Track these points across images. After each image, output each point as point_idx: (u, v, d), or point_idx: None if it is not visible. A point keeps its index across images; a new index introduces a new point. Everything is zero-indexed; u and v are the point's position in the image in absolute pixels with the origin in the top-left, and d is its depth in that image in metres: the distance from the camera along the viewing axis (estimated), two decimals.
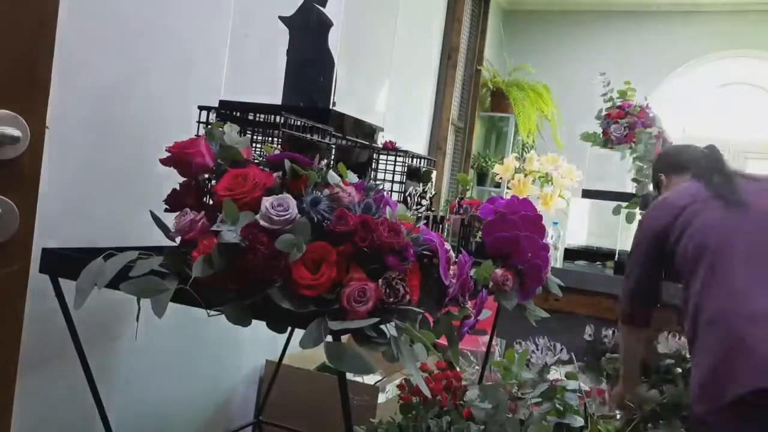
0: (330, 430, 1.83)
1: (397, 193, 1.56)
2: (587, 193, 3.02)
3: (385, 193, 1.13)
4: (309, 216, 0.99)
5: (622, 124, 2.85)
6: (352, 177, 1.14)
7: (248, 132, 1.34)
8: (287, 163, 1.05)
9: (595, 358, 2.36)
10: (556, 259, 2.85)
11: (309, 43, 1.46)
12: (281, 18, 1.47)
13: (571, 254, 3.10)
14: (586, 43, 4.88)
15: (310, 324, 0.93)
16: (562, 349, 2.14)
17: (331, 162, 1.32)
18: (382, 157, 1.58)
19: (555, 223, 2.81)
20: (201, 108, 1.31)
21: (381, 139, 1.62)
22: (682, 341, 2.19)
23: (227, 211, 0.98)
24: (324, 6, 1.46)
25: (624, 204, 2.80)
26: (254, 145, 1.32)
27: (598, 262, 3.10)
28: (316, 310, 0.94)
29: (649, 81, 4.39)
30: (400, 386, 1.77)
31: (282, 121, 1.21)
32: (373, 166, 1.57)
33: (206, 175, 1.12)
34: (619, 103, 2.94)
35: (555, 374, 1.94)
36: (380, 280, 0.96)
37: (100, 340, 1.56)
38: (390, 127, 1.80)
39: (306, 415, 2.01)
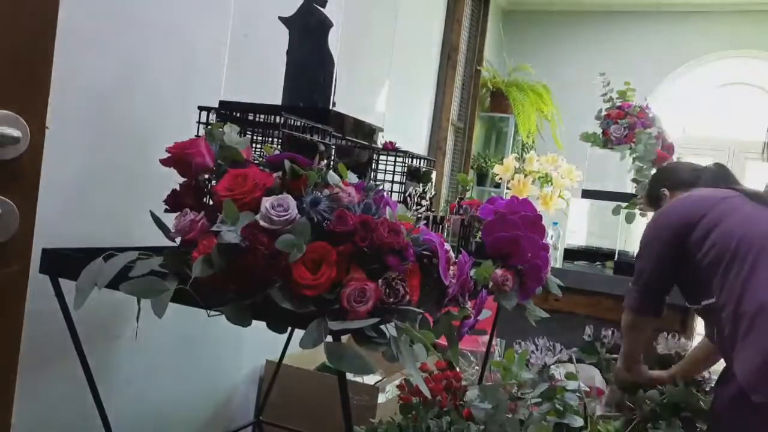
0: (330, 430, 1.83)
1: (397, 194, 1.56)
2: (587, 194, 3.02)
3: (385, 193, 1.13)
4: (309, 216, 0.99)
5: (622, 125, 2.85)
6: (352, 177, 1.14)
7: (248, 132, 1.34)
8: (287, 164, 1.05)
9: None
10: (556, 259, 2.85)
11: (309, 43, 1.46)
12: (281, 18, 1.47)
13: (570, 254, 3.10)
14: (586, 43, 4.88)
15: (310, 324, 0.93)
16: (561, 350, 2.14)
17: (331, 162, 1.32)
18: (382, 157, 1.58)
19: (555, 224, 2.81)
20: (201, 108, 1.31)
21: (381, 140, 1.62)
22: (682, 342, 2.19)
23: (227, 212, 0.98)
24: (324, 6, 1.46)
25: (624, 204, 2.80)
26: (254, 145, 1.32)
27: (597, 263, 3.10)
28: (316, 310, 0.94)
29: (649, 81, 4.39)
30: (400, 386, 1.77)
31: (282, 121, 1.21)
32: (373, 167, 1.57)
33: (206, 176, 1.12)
34: (618, 104, 2.94)
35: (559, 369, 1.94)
36: (380, 280, 0.96)
37: (100, 340, 1.56)
38: (390, 128, 1.80)
39: (306, 415, 2.02)
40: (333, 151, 1.34)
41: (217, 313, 0.97)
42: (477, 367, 2.16)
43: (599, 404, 1.99)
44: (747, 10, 4.52)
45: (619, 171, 2.92)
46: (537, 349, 2.14)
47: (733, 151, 4.93)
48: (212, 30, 1.74)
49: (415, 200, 1.58)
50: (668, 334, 2.23)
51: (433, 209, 1.66)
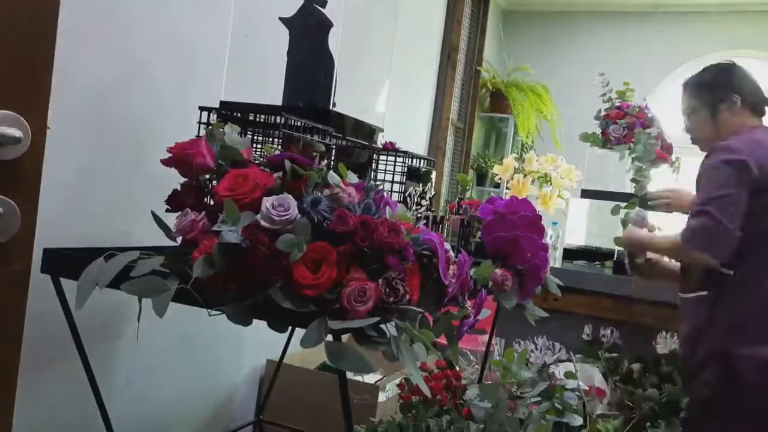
0: (330, 429, 1.83)
1: (397, 194, 1.56)
2: (586, 194, 3.02)
3: (385, 193, 1.13)
4: (309, 216, 0.99)
5: (621, 125, 2.85)
6: (352, 177, 1.14)
7: (249, 132, 1.34)
8: (288, 164, 1.05)
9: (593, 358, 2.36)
10: (555, 259, 2.85)
11: (309, 43, 1.46)
12: (281, 19, 1.47)
13: (570, 254, 3.10)
14: (586, 43, 4.88)
15: (310, 324, 0.93)
16: (561, 349, 2.14)
17: (332, 162, 1.33)
18: (381, 157, 1.59)
19: (554, 223, 2.81)
20: (202, 108, 1.31)
21: (381, 140, 1.62)
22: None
23: (228, 212, 0.98)
24: (324, 6, 1.47)
25: (623, 204, 2.80)
26: (255, 145, 1.32)
27: (597, 262, 3.10)
28: (316, 310, 0.94)
29: (649, 81, 4.39)
30: (400, 385, 1.77)
31: (282, 121, 1.21)
32: (373, 167, 1.58)
33: (207, 176, 1.13)
34: (618, 104, 2.94)
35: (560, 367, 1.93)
36: (380, 280, 0.97)
37: (101, 339, 1.57)
38: (390, 128, 1.80)
39: (306, 415, 2.02)
40: (333, 151, 1.35)
41: (218, 312, 0.97)
42: (477, 367, 2.17)
43: (600, 403, 1.99)
44: (746, 11, 4.52)
45: (619, 171, 2.92)
46: (536, 349, 2.14)
47: None
48: (212, 30, 1.74)
49: (415, 200, 1.58)
50: (667, 333, 2.23)
51: (432, 209, 1.66)
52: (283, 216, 0.96)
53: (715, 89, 1.82)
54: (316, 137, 1.27)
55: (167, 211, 1.13)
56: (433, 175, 1.68)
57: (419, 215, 1.56)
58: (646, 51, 4.65)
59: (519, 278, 1.55)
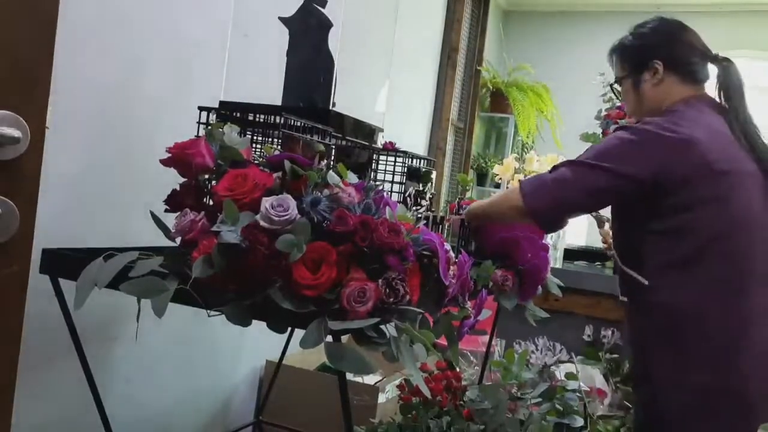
0: (330, 430, 1.83)
1: (396, 194, 1.56)
2: None
3: (384, 193, 1.13)
4: (309, 216, 0.99)
5: (622, 125, 2.85)
6: (352, 177, 1.14)
7: (248, 132, 1.34)
8: (287, 164, 1.05)
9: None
10: (556, 260, 2.85)
11: (309, 43, 1.46)
12: (281, 19, 1.47)
13: (570, 254, 3.10)
14: (586, 43, 4.87)
15: (310, 324, 0.93)
16: (561, 350, 2.14)
17: (331, 162, 1.32)
18: (381, 157, 1.59)
19: None
20: (201, 108, 1.31)
21: (381, 140, 1.62)
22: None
23: (227, 212, 0.98)
24: (324, 6, 1.46)
25: None
26: (254, 145, 1.32)
27: (597, 263, 3.11)
28: (316, 310, 0.94)
29: None
30: (400, 386, 1.77)
31: (282, 121, 1.21)
32: (372, 167, 1.57)
33: (206, 176, 1.13)
34: (618, 104, 2.94)
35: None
36: (380, 280, 0.96)
37: (100, 340, 1.56)
38: (390, 128, 1.80)
39: (306, 415, 2.02)
40: (333, 151, 1.34)
41: (218, 313, 0.97)
42: (477, 367, 2.16)
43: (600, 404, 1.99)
44: (747, 11, 4.52)
45: None
46: (537, 349, 2.14)
47: None
48: (212, 30, 1.74)
49: (413, 200, 1.58)
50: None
51: (432, 209, 1.66)
52: (283, 216, 0.96)
53: (636, 55, 1.52)
54: (315, 137, 1.27)
55: (166, 211, 1.12)
56: (433, 175, 1.68)
57: (419, 215, 1.55)
58: None
59: (519, 279, 1.55)
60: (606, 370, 2.26)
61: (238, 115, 1.33)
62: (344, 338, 0.96)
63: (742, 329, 1.33)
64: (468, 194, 2.63)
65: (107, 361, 1.60)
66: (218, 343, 1.99)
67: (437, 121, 3.83)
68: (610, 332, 2.38)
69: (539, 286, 1.61)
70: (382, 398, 1.99)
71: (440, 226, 1.62)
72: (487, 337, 2.10)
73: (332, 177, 1.06)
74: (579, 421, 1.65)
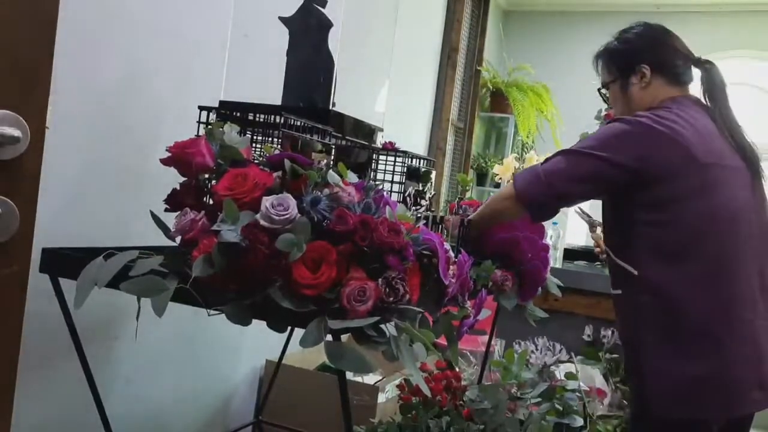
0: (330, 430, 1.83)
1: (396, 194, 1.56)
2: None
3: (384, 193, 1.13)
4: (309, 215, 0.99)
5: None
6: (352, 177, 1.14)
7: (248, 132, 1.34)
8: (287, 163, 1.05)
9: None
10: (556, 260, 2.85)
11: (309, 43, 1.46)
12: (281, 18, 1.47)
13: (570, 255, 3.10)
14: (586, 43, 4.85)
15: (310, 323, 0.93)
16: (561, 349, 2.14)
17: (331, 162, 1.32)
18: (381, 157, 1.59)
19: (554, 224, 2.80)
20: (201, 108, 1.31)
21: (381, 140, 1.62)
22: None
23: (227, 211, 0.98)
24: (324, 6, 1.46)
25: None
26: (254, 145, 1.32)
27: (597, 263, 3.10)
28: (316, 310, 0.94)
29: None
30: (399, 386, 1.77)
31: (282, 121, 1.21)
32: (372, 167, 1.57)
33: (206, 175, 1.13)
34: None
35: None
36: (380, 280, 0.96)
37: (100, 339, 1.56)
38: (390, 128, 1.80)
39: (306, 415, 2.02)
40: (333, 150, 1.34)
41: (217, 312, 0.97)
42: (477, 367, 2.16)
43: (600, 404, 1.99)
44: (747, 11, 4.52)
45: None
46: (537, 349, 2.14)
47: None
48: (212, 30, 1.74)
49: (413, 200, 1.58)
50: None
51: (432, 209, 1.66)
52: (283, 215, 0.96)
53: (623, 59, 1.56)
54: (315, 137, 1.27)
55: (166, 210, 1.12)
56: (433, 175, 1.68)
57: (419, 215, 1.55)
58: None
59: (519, 279, 1.55)
60: (606, 370, 2.26)
61: (238, 114, 1.33)
62: (344, 337, 0.96)
63: (727, 318, 1.36)
64: (468, 194, 2.63)
65: (107, 360, 1.60)
66: (218, 343, 1.99)
67: (437, 121, 3.83)
68: (610, 332, 2.38)
69: (539, 287, 1.61)
70: (382, 398, 1.99)
71: (440, 226, 1.62)
72: (486, 337, 2.10)
73: (332, 176, 1.07)
74: (579, 421, 1.65)
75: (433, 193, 1.68)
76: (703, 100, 1.52)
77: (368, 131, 1.54)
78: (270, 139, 1.32)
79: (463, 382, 1.79)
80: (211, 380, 2.01)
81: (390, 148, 1.59)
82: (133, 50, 1.56)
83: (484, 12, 4.47)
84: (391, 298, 0.96)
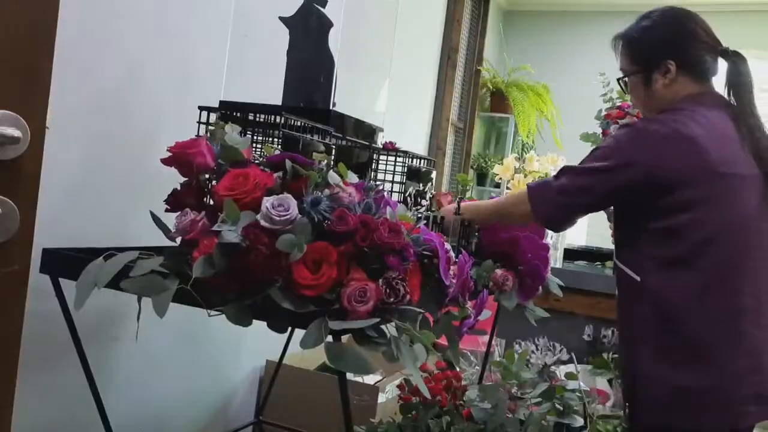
0: (330, 430, 1.83)
1: (397, 194, 1.56)
2: None
3: (385, 193, 1.13)
4: (309, 216, 0.99)
5: (622, 125, 2.85)
6: (353, 177, 1.14)
7: (249, 132, 1.34)
8: (288, 164, 1.05)
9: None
10: (556, 260, 2.85)
11: (309, 43, 1.46)
12: (281, 18, 1.47)
13: (570, 254, 3.10)
14: (586, 43, 4.87)
15: (310, 324, 0.93)
16: (561, 349, 2.14)
17: (332, 162, 1.32)
18: (382, 157, 1.59)
19: None
20: (201, 108, 1.31)
21: (381, 140, 1.62)
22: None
23: (228, 211, 0.98)
24: (324, 6, 1.46)
25: None
26: (255, 145, 1.32)
27: (597, 263, 3.11)
28: (316, 310, 0.94)
29: None
30: (400, 386, 1.77)
31: (282, 121, 1.21)
32: (373, 167, 1.57)
33: (207, 175, 1.13)
34: (618, 104, 2.94)
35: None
36: (380, 280, 0.96)
37: (101, 339, 1.56)
38: (390, 128, 1.80)
39: (306, 415, 2.02)
40: (333, 150, 1.34)
41: (218, 312, 0.97)
42: (477, 367, 2.16)
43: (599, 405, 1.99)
44: (747, 11, 4.52)
45: None
46: (537, 349, 2.14)
47: None
48: (212, 30, 1.74)
49: (413, 200, 1.58)
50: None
51: (433, 209, 1.66)
52: (283, 216, 0.96)
53: (646, 52, 1.47)
54: (316, 137, 1.27)
55: (167, 211, 1.12)
56: (433, 175, 1.68)
57: (419, 215, 1.55)
58: None
59: (519, 279, 1.55)
60: (613, 376, 2.25)
61: (238, 114, 1.33)
62: (344, 338, 0.96)
63: (725, 330, 1.33)
64: (468, 194, 2.63)
65: (108, 361, 1.60)
66: (218, 343, 1.99)
67: (437, 121, 3.83)
68: (610, 332, 2.38)
69: (540, 286, 1.61)
70: (382, 398, 1.99)
71: (440, 226, 1.62)
72: (487, 337, 2.10)
73: (333, 177, 1.06)
74: (579, 421, 1.65)
75: (433, 193, 1.68)
76: (725, 96, 1.45)
77: (369, 131, 1.54)
78: (270, 139, 1.32)
79: (464, 382, 1.79)
80: (211, 380, 2.01)
81: (390, 148, 1.59)
82: (133, 50, 1.56)
83: (484, 12, 4.47)
84: (392, 299, 0.96)
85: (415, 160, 1.62)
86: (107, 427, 1.35)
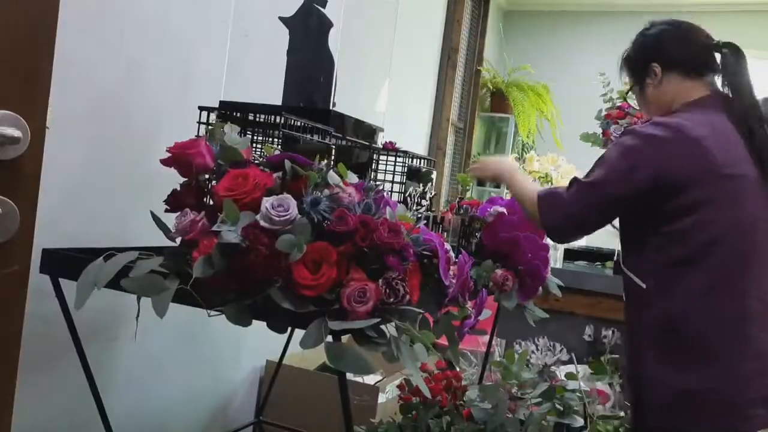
0: (330, 430, 1.83)
1: (397, 194, 1.56)
2: None
3: (385, 193, 1.13)
4: (309, 216, 0.99)
5: (622, 125, 2.85)
6: (352, 177, 1.14)
7: (248, 132, 1.34)
8: (288, 164, 1.05)
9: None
10: (556, 260, 2.85)
11: (309, 43, 1.46)
12: (281, 18, 1.47)
13: (570, 255, 3.10)
14: (586, 43, 4.87)
15: (310, 324, 0.93)
16: (561, 350, 2.14)
17: (332, 162, 1.32)
18: (382, 157, 1.59)
19: None
20: (201, 108, 1.31)
21: (381, 140, 1.62)
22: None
23: (228, 212, 0.98)
24: (324, 6, 1.47)
25: None
26: (254, 145, 1.32)
27: (597, 263, 3.11)
28: (316, 311, 0.94)
29: None
30: (400, 386, 1.77)
31: (282, 121, 1.21)
32: (373, 167, 1.57)
33: (206, 176, 1.13)
34: (618, 104, 2.94)
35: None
36: (380, 280, 0.96)
37: (101, 340, 1.56)
38: (390, 128, 1.80)
39: (306, 415, 2.02)
40: (333, 151, 1.34)
41: (218, 313, 0.97)
42: (477, 367, 2.16)
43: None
44: (747, 11, 4.52)
45: None
46: (537, 349, 2.14)
47: None
48: (212, 30, 1.74)
49: (415, 200, 1.58)
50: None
51: (433, 209, 1.66)
52: (283, 216, 0.96)
53: (635, 62, 1.52)
54: (316, 137, 1.27)
55: (166, 211, 1.12)
56: (433, 175, 1.68)
57: (419, 215, 1.55)
58: None
59: (520, 279, 1.55)
60: (613, 379, 2.25)
61: (238, 115, 1.33)
62: (344, 338, 0.96)
63: (730, 333, 1.33)
64: (468, 194, 2.64)
65: (108, 361, 1.60)
66: (218, 343, 1.99)
67: (437, 121, 3.83)
68: (610, 332, 2.38)
69: (540, 286, 1.61)
70: (382, 398, 1.99)
71: (440, 226, 1.62)
72: (487, 337, 2.10)
73: (332, 177, 1.06)
74: (579, 422, 1.65)
75: (433, 193, 1.68)
76: (723, 91, 1.45)
77: (369, 131, 1.54)
78: (270, 139, 1.32)
79: (464, 382, 1.79)
80: (211, 380, 2.01)
81: (391, 148, 1.59)
82: (133, 50, 1.56)
83: (484, 12, 4.47)
84: (392, 299, 0.96)
85: (415, 160, 1.62)
86: (107, 427, 1.35)
